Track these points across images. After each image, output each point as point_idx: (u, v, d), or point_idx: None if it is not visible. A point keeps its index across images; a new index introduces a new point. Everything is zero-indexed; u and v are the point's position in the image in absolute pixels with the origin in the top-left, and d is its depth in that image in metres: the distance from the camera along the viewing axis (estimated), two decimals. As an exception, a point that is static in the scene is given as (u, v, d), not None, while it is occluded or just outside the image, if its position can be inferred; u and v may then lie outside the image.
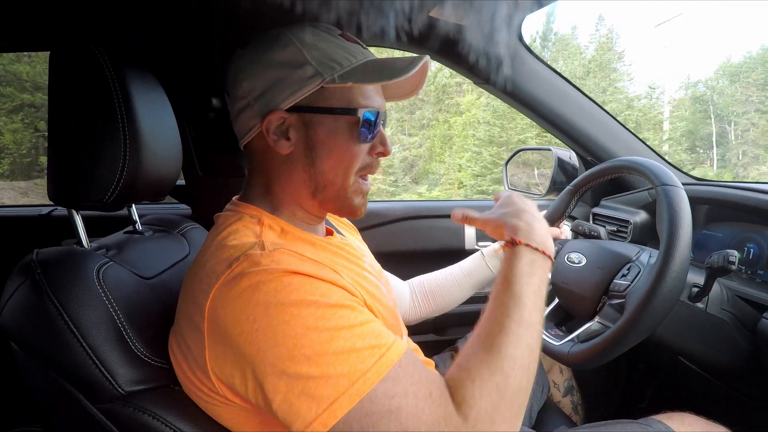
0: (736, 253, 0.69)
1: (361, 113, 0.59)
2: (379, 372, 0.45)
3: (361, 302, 0.54)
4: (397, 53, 1.04)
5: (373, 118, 0.60)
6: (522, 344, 0.51)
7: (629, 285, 0.74)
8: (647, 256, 0.79)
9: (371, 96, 0.61)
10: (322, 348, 0.45)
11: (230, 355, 0.48)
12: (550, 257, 0.59)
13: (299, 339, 0.45)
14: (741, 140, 27.53)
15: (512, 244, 0.59)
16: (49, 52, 0.62)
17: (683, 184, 0.72)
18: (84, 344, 0.53)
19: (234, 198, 0.66)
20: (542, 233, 0.61)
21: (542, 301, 0.57)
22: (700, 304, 0.77)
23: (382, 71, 0.57)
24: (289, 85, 0.57)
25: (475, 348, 0.52)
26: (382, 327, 0.51)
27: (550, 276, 0.91)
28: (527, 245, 0.58)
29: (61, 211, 1.41)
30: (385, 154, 0.64)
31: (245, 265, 0.49)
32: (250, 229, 0.57)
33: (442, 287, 1.00)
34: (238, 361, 0.47)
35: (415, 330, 1.27)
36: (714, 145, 27.91)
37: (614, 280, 0.78)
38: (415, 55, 0.58)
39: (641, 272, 0.75)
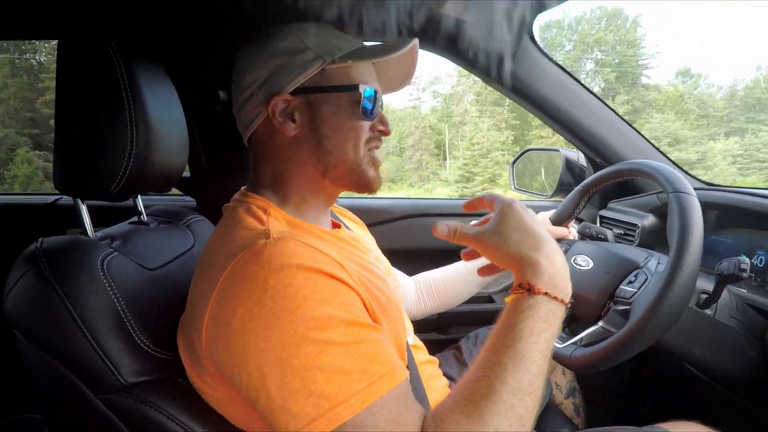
0: (747, 260, 0.68)
1: (363, 89, 0.60)
2: (363, 400, 0.44)
3: (364, 302, 0.53)
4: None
5: (371, 95, 0.61)
6: (513, 415, 0.44)
7: (635, 292, 0.73)
8: (655, 263, 0.78)
9: (369, 79, 0.63)
10: (309, 361, 0.44)
11: (223, 349, 0.48)
12: (566, 305, 0.52)
13: (289, 347, 0.44)
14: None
15: (527, 290, 0.50)
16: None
17: (694, 188, 0.71)
18: (87, 334, 0.53)
19: (242, 188, 0.67)
20: (564, 273, 0.52)
21: (548, 360, 0.49)
22: (708, 311, 0.76)
23: (377, 50, 0.60)
24: (291, 69, 0.59)
25: (456, 405, 0.46)
26: (381, 349, 0.49)
27: None
28: (546, 294, 0.49)
29: (67, 200, 1.42)
30: (386, 132, 0.65)
31: (249, 256, 0.49)
32: (257, 218, 0.57)
33: (447, 283, 1.00)
34: (230, 356, 0.47)
35: (418, 328, 1.26)
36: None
37: (620, 286, 0.77)
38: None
39: (648, 280, 0.74)
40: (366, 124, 0.62)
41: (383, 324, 0.56)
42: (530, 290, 0.49)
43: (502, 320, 0.51)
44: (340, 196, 0.72)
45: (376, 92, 0.62)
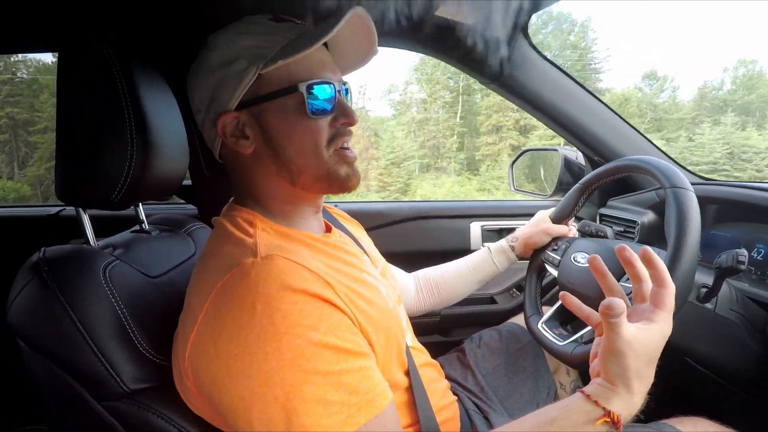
0: (746, 252, 0.68)
1: (303, 87, 0.56)
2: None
3: (351, 319, 0.52)
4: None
5: (321, 89, 0.57)
6: None
7: None
8: None
9: (316, 69, 0.58)
10: (293, 391, 0.44)
11: (205, 370, 0.48)
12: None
13: (273, 375, 0.44)
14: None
15: (611, 422, 0.47)
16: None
17: (692, 183, 0.71)
18: (90, 342, 0.53)
19: (231, 200, 0.66)
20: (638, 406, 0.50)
21: None
22: (708, 305, 0.76)
23: (309, 39, 0.54)
24: (229, 83, 0.56)
25: None
26: (364, 378, 0.48)
27: (556, 274, 0.91)
28: (615, 424, 0.47)
29: (70, 211, 1.43)
30: (350, 123, 0.60)
31: (237, 277, 0.48)
32: (244, 232, 0.56)
33: (446, 281, 1.00)
34: (211, 379, 0.47)
35: (420, 331, 1.26)
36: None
37: (621, 283, 0.77)
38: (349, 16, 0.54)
39: None
40: (322, 122, 0.58)
41: (372, 339, 0.55)
42: (614, 423, 0.47)
43: (558, 411, 0.50)
44: (337, 200, 0.71)
45: (327, 83, 0.57)
